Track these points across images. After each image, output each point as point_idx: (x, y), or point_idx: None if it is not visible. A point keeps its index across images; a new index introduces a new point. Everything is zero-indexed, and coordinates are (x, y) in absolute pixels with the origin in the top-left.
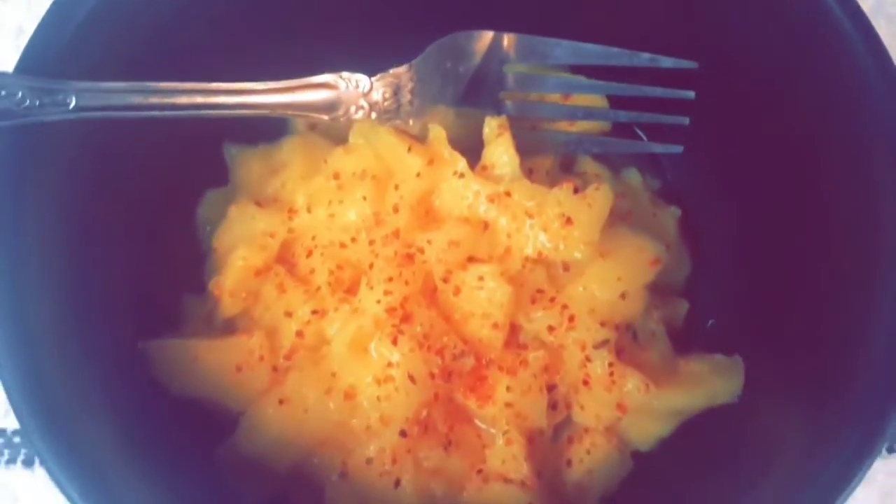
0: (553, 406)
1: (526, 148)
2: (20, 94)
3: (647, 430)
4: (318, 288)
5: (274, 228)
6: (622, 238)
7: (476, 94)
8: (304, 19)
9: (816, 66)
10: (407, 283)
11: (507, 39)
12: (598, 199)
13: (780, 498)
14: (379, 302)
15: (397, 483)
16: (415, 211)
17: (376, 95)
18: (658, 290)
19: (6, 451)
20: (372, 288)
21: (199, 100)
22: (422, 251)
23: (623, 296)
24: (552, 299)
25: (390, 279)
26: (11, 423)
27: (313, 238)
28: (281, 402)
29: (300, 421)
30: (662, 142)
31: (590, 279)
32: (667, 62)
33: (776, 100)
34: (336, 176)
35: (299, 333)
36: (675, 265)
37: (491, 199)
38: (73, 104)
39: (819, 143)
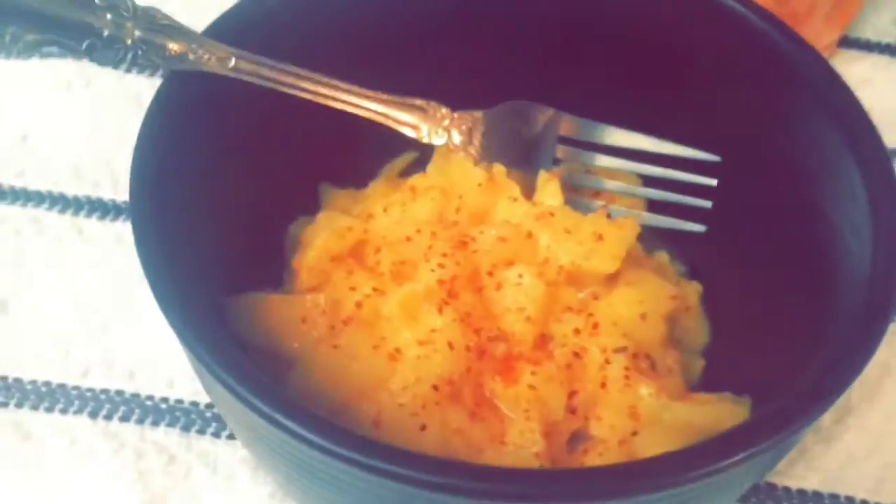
0: (572, 411)
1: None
2: (196, 48)
3: (657, 449)
4: (382, 273)
5: (353, 225)
6: (646, 277)
7: (531, 158)
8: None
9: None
10: (458, 264)
11: (565, 119)
12: (626, 224)
13: None
14: (433, 271)
15: (423, 427)
16: (473, 217)
17: (454, 129)
18: (678, 346)
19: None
20: (428, 261)
21: (323, 91)
22: (474, 240)
23: (643, 317)
24: (580, 311)
25: (444, 255)
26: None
27: (383, 238)
28: (334, 346)
29: (346, 367)
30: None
31: (614, 298)
32: (690, 152)
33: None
34: (412, 188)
35: (358, 304)
36: (694, 330)
37: (537, 218)
38: (231, 64)
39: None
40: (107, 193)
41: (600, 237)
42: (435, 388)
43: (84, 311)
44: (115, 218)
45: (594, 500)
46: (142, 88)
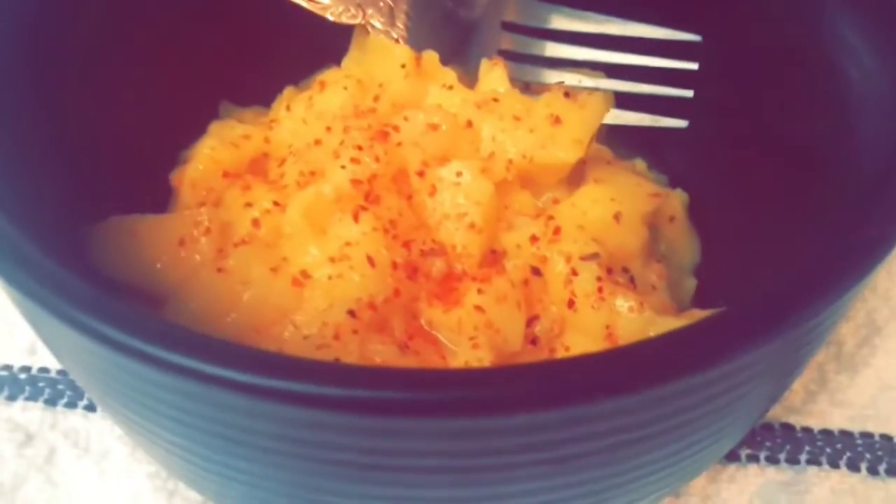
0: (532, 341)
1: None
2: None
3: None
4: (285, 185)
5: (250, 133)
6: (618, 173)
7: (470, 46)
8: None
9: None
10: (378, 159)
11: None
12: (591, 102)
13: None
14: (344, 168)
15: (336, 362)
16: (396, 108)
17: (370, 6)
18: (663, 262)
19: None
20: (338, 157)
21: None
22: (397, 129)
23: (617, 218)
24: (538, 214)
25: (360, 148)
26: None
27: (289, 146)
28: (219, 270)
29: (236, 294)
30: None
31: (581, 197)
32: (667, 33)
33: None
34: (320, 83)
35: (255, 222)
36: (682, 244)
37: (478, 105)
38: None
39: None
40: None
41: (557, 120)
42: (351, 314)
43: None
44: None
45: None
46: None
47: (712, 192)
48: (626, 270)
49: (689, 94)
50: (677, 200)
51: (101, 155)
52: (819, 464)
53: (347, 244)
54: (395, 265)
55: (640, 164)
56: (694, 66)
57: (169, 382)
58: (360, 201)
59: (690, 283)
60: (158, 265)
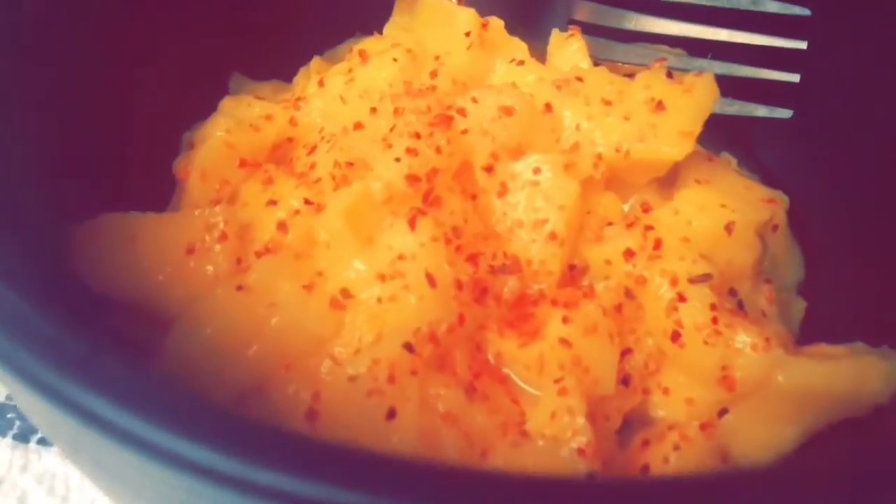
0: (624, 381)
1: None
2: None
3: (761, 436)
4: (318, 179)
5: (273, 112)
6: (723, 174)
7: (537, 14)
8: None
9: None
10: (438, 150)
11: None
12: (700, 85)
13: None
14: (398, 160)
15: (391, 414)
16: (457, 86)
17: None
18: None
19: None
20: (391, 146)
21: None
22: (463, 113)
23: (729, 228)
24: (631, 223)
25: (417, 136)
26: None
27: (321, 130)
28: (239, 288)
29: (262, 320)
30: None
31: (684, 202)
32: (773, 6)
33: None
34: (362, 53)
35: (281, 225)
36: (786, 259)
37: (558, 85)
38: None
39: None
40: None
41: (660, 106)
42: (408, 347)
43: None
44: None
45: None
46: None
47: (812, 195)
48: (733, 293)
49: (796, 78)
50: (780, 206)
51: (88, 137)
52: None
53: (401, 257)
54: (458, 284)
55: (728, 158)
56: (802, 45)
57: (163, 475)
58: (417, 203)
59: (799, 306)
60: (161, 277)
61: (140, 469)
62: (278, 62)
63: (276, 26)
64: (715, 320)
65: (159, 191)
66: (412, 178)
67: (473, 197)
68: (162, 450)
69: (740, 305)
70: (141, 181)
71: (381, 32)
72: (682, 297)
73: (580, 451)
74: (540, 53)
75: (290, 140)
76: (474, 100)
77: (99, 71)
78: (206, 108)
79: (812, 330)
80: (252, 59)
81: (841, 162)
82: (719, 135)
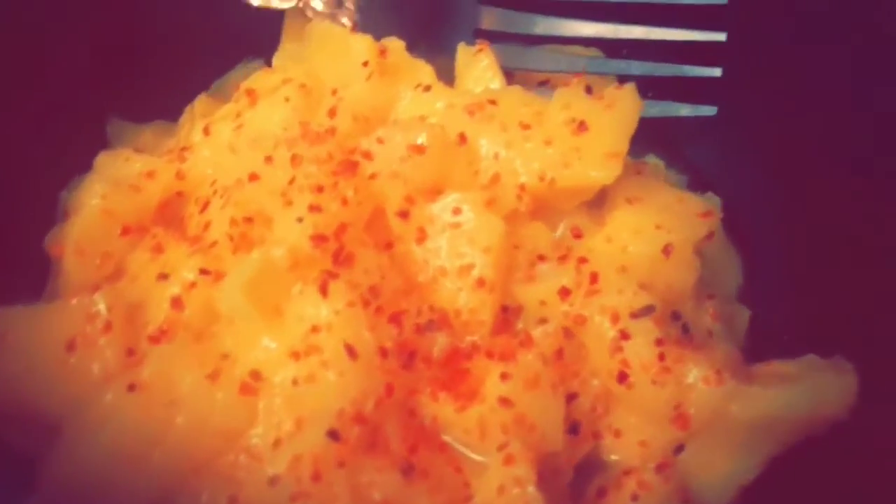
0: (573, 428)
1: None
2: None
3: (719, 470)
4: (214, 243)
5: (155, 168)
6: (654, 189)
7: (440, 26)
8: None
9: None
10: (345, 202)
11: None
12: (623, 99)
13: None
14: (300, 221)
15: None
16: (359, 122)
17: None
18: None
19: None
20: (291, 203)
21: None
22: (369, 156)
23: (666, 251)
24: (563, 256)
25: (319, 189)
26: None
27: (213, 183)
28: (132, 387)
29: (163, 421)
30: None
31: (617, 227)
32: None
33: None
34: (250, 93)
35: (176, 302)
36: (725, 265)
37: (470, 111)
38: None
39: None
40: None
41: (582, 126)
42: (332, 435)
43: None
44: None
45: None
46: None
47: (742, 190)
48: (677, 317)
49: (717, 72)
50: (714, 215)
51: None
52: None
53: (314, 329)
54: (383, 352)
55: (655, 162)
56: (721, 36)
57: None
58: (326, 265)
59: (743, 316)
60: (39, 381)
61: None
62: (161, 100)
63: (156, 61)
64: (662, 357)
65: (34, 272)
66: (318, 238)
67: (389, 246)
68: None
69: (685, 329)
70: (10, 260)
71: (270, 57)
72: (625, 335)
73: None
74: (447, 71)
75: (179, 195)
76: (380, 140)
77: None
78: (83, 162)
79: (759, 336)
80: (131, 99)
81: (768, 154)
82: (645, 136)
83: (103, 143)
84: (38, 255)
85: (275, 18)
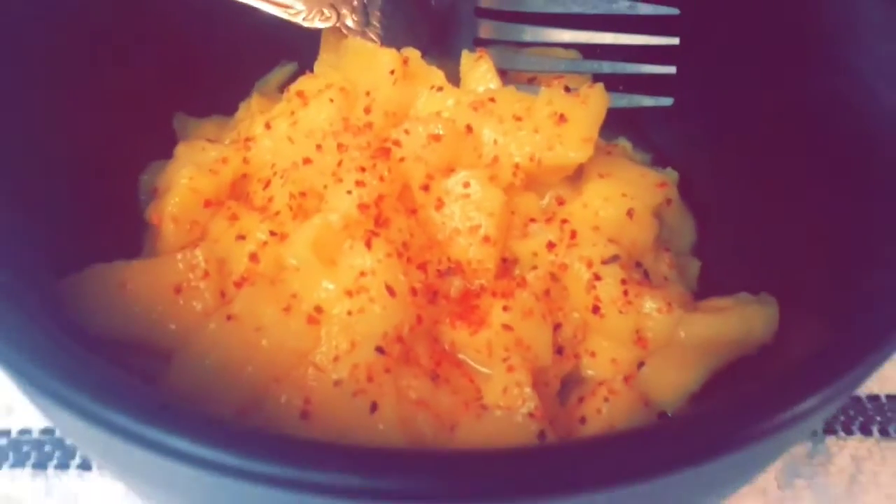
0: (559, 350)
1: None
2: None
3: (672, 381)
4: (277, 212)
5: (227, 155)
6: (621, 165)
7: (447, 37)
8: None
9: None
10: (382, 178)
11: None
12: (593, 96)
13: None
14: (350, 193)
15: (374, 407)
16: (389, 117)
17: (343, 5)
18: (666, 247)
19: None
20: (341, 180)
21: None
22: (398, 144)
23: (630, 214)
24: (549, 219)
25: (362, 169)
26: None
27: (273, 166)
28: (229, 317)
29: (251, 343)
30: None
31: (591, 196)
32: (647, 9)
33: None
34: (299, 94)
35: (253, 257)
36: (681, 226)
37: (474, 107)
38: None
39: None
40: None
41: (562, 118)
42: (380, 350)
43: None
44: None
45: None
46: None
47: (698, 167)
48: (639, 265)
49: (672, 70)
50: (671, 186)
51: (63, 189)
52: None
53: (363, 274)
54: (413, 291)
55: (624, 143)
56: (675, 40)
57: (189, 474)
58: (370, 226)
59: (695, 266)
60: (155, 316)
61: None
62: (215, 97)
63: (210, 65)
64: (626, 293)
65: (129, 236)
66: (363, 206)
67: (415, 212)
68: (188, 455)
69: (646, 275)
70: (110, 228)
71: (302, 61)
72: (597, 277)
73: (531, 415)
74: (453, 72)
75: (244, 176)
76: (406, 131)
77: (53, 132)
78: (155, 150)
79: (707, 284)
80: (191, 97)
81: (718, 136)
82: (615, 122)
83: (170, 134)
84: (132, 223)
85: (303, 28)
